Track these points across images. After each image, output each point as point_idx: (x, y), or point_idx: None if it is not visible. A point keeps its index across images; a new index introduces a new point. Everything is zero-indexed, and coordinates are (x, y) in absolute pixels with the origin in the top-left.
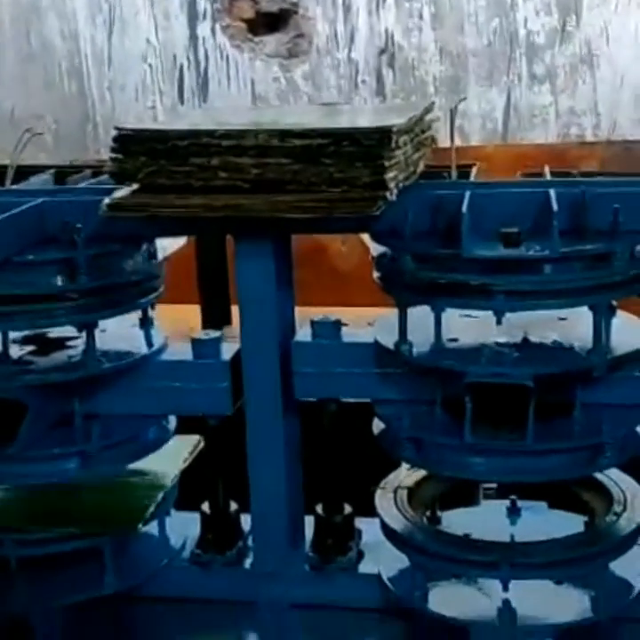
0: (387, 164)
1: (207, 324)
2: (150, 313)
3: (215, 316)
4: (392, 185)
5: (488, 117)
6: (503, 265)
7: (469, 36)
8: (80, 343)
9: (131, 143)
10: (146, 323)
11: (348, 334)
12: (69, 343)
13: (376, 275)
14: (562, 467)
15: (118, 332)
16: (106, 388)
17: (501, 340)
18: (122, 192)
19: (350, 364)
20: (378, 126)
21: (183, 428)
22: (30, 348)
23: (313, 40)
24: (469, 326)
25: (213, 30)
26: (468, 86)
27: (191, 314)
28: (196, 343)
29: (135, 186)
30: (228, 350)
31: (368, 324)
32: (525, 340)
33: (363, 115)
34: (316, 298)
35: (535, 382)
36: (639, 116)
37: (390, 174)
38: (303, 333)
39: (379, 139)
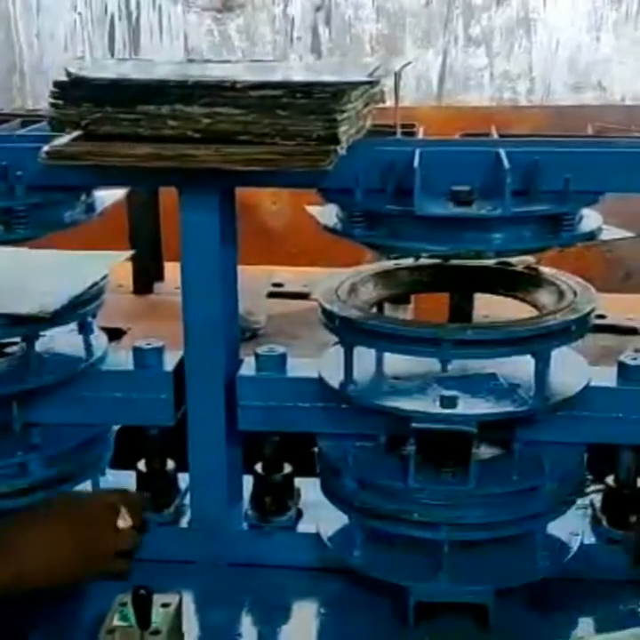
0: (339, 117)
1: (139, 280)
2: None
3: (147, 273)
4: (344, 139)
5: (423, 78)
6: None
7: None
8: (19, 349)
9: (74, 89)
10: (86, 329)
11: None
12: (8, 351)
13: None
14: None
15: (59, 339)
16: (46, 397)
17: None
18: (63, 139)
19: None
20: (333, 81)
21: None
22: None
23: None
24: None
25: None
26: (405, 46)
27: (121, 271)
28: (137, 352)
29: (76, 133)
30: (171, 360)
31: (303, 285)
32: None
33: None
34: (247, 256)
35: None
36: (573, 81)
37: (342, 128)
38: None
39: (333, 92)
